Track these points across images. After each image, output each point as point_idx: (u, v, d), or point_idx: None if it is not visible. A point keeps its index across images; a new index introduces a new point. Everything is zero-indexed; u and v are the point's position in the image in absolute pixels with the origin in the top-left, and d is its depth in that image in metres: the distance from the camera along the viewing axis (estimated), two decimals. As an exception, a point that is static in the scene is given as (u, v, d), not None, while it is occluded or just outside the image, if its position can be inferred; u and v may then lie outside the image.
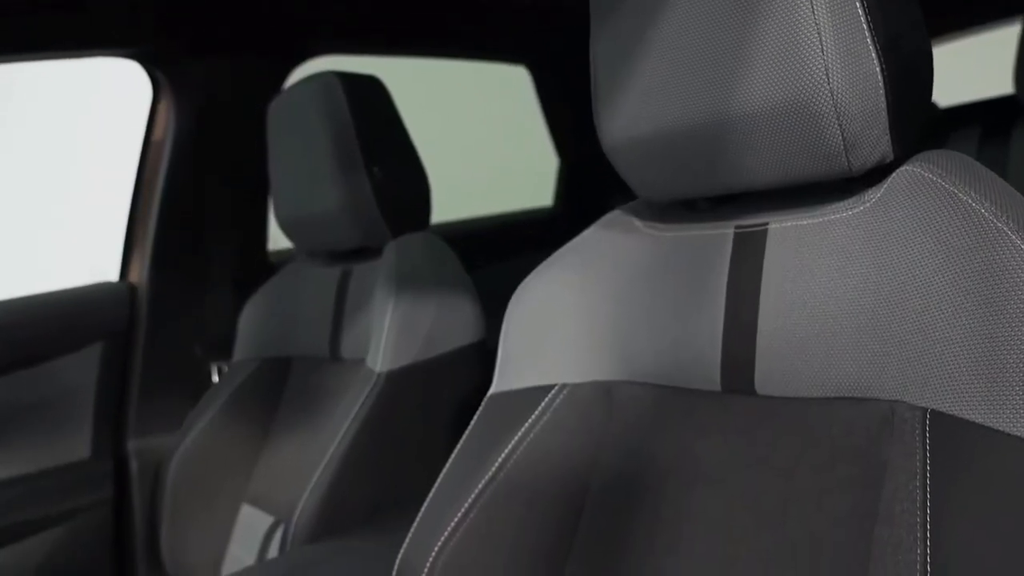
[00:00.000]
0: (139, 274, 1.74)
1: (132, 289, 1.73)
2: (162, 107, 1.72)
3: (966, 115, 1.79)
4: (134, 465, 1.66)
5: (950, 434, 0.61)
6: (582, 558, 0.87)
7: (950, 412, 0.61)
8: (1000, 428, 0.58)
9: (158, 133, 1.72)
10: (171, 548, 1.54)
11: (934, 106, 1.84)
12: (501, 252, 2.24)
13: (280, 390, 1.58)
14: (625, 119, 0.81)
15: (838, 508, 0.68)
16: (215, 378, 1.79)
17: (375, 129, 1.40)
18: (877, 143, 0.68)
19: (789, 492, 0.73)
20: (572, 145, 2.52)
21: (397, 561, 0.91)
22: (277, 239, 1.99)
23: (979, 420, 0.59)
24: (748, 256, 0.80)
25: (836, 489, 0.69)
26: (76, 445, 1.64)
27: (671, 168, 0.80)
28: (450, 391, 1.32)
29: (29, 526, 1.54)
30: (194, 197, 1.76)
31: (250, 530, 1.48)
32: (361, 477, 1.25)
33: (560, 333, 0.93)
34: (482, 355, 1.35)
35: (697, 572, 0.77)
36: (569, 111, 2.47)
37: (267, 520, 1.45)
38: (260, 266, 1.90)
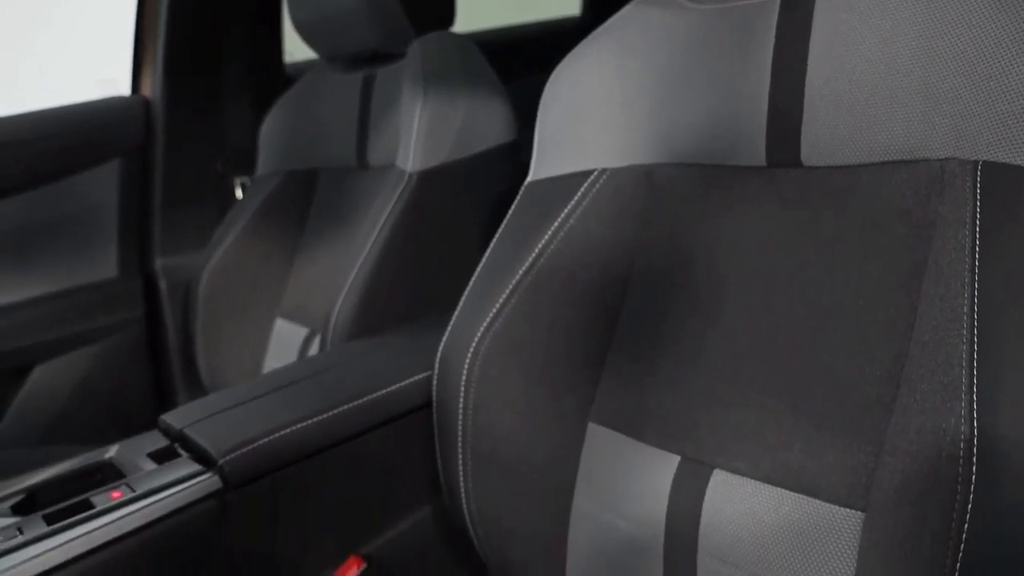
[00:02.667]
0: (152, 88, 1.76)
1: (146, 104, 1.76)
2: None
3: None
4: (163, 283, 1.73)
5: (1001, 182, 0.64)
6: (624, 340, 0.93)
7: (1003, 160, 0.64)
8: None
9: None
10: (207, 364, 1.63)
11: None
12: (527, 64, 2.22)
13: (307, 202, 1.62)
14: None
15: (884, 270, 0.72)
16: (239, 194, 1.84)
17: None
18: None
19: (834, 259, 0.76)
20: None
21: (440, 349, 0.97)
22: (292, 52, 1.99)
23: None
24: (795, 23, 0.81)
25: (882, 252, 0.73)
26: (103, 264, 1.71)
27: None
28: (483, 192, 1.35)
29: (63, 344, 1.62)
30: (204, 3, 1.75)
31: (285, 343, 1.55)
32: (396, 280, 1.31)
33: (598, 116, 0.95)
34: (515, 156, 1.37)
35: (740, 345, 0.82)
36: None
37: (302, 332, 1.52)
38: (277, 77, 1.91)
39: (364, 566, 1.00)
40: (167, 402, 1.60)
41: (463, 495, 0.95)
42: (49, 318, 1.62)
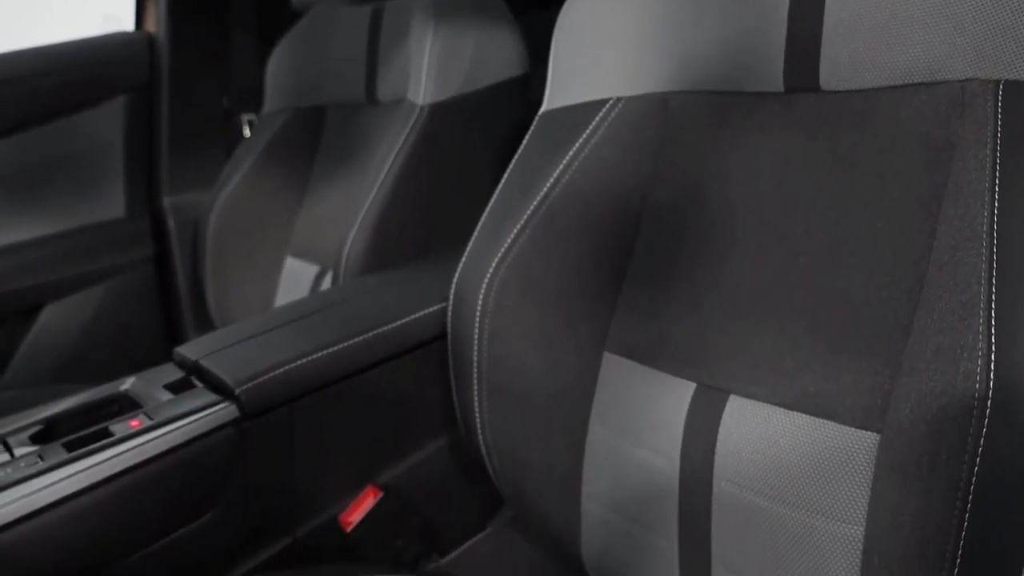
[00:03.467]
0: (155, 23, 1.76)
1: (150, 40, 1.75)
2: None
3: None
4: (172, 222, 1.75)
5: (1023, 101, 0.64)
6: (640, 269, 0.94)
7: None
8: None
9: None
10: (217, 304, 1.65)
11: None
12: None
13: (316, 139, 1.63)
14: None
15: (903, 194, 0.73)
16: (246, 132, 1.84)
17: None
18: None
19: (852, 184, 0.77)
20: None
21: (454, 280, 0.99)
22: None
23: None
24: (814, -55, 0.80)
25: (901, 175, 0.74)
26: (110, 203, 1.72)
27: None
28: (495, 125, 1.35)
29: (72, 283, 1.64)
30: None
31: (296, 281, 1.57)
32: (408, 215, 1.32)
33: (613, 44, 0.96)
34: (527, 90, 1.37)
35: (757, 271, 0.83)
36: None
37: (312, 270, 1.54)
38: (284, 12, 1.90)
39: (380, 496, 1.03)
40: (177, 342, 1.62)
41: (478, 426, 0.97)
42: (57, 258, 1.63)
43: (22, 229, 1.62)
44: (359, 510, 1.01)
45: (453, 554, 1.08)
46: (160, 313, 1.75)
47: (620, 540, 0.92)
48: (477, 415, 0.97)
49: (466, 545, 1.10)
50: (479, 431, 0.97)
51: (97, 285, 1.67)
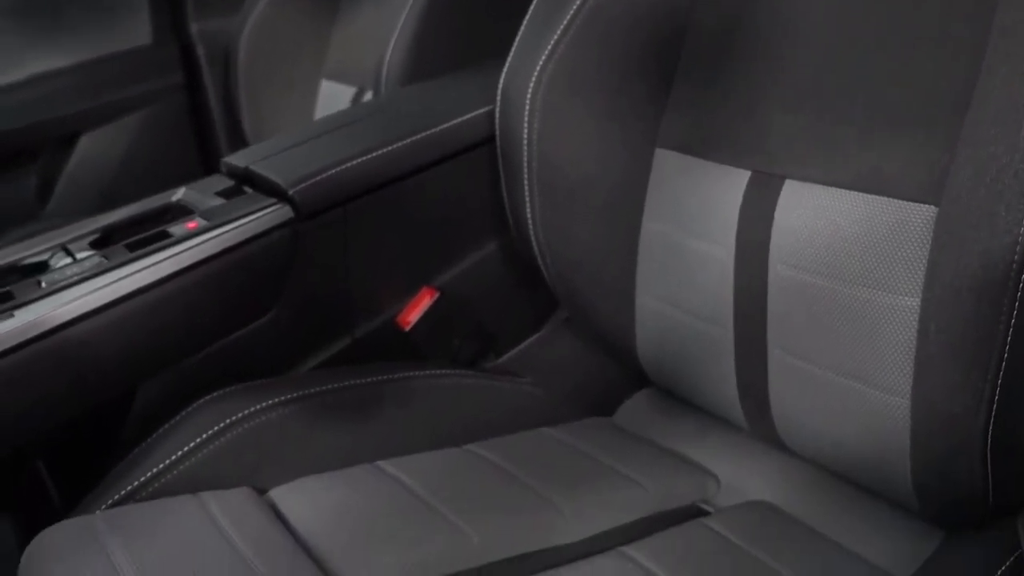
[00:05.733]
0: None
1: None
2: None
3: None
4: (201, 49, 1.76)
5: None
6: (691, 60, 0.95)
7: None
8: None
9: None
10: (253, 132, 1.68)
11: None
12: None
13: (347, -43, 1.62)
14: None
15: None
16: (272, -49, 1.83)
17: None
18: None
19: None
20: None
21: (501, 80, 1.01)
22: None
23: None
24: None
25: None
26: (136, 30, 1.73)
27: None
28: None
29: (106, 112, 1.68)
30: None
31: (333, 103, 1.59)
32: (446, 27, 1.33)
33: None
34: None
35: (815, 53, 0.85)
36: None
37: (349, 91, 1.56)
38: None
39: (436, 297, 1.08)
40: (215, 170, 1.66)
41: (530, 226, 1.01)
42: (88, 86, 1.66)
43: (49, 58, 1.64)
44: (416, 311, 1.07)
45: (509, 354, 1.14)
46: (196, 142, 1.79)
47: (675, 333, 0.97)
48: (529, 216, 1.01)
49: (521, 345, 1.15)
50: (531, 232, 1.01)
51: (131, 114, 1.70)
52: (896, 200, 0.76)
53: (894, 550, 0.83)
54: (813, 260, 0.81)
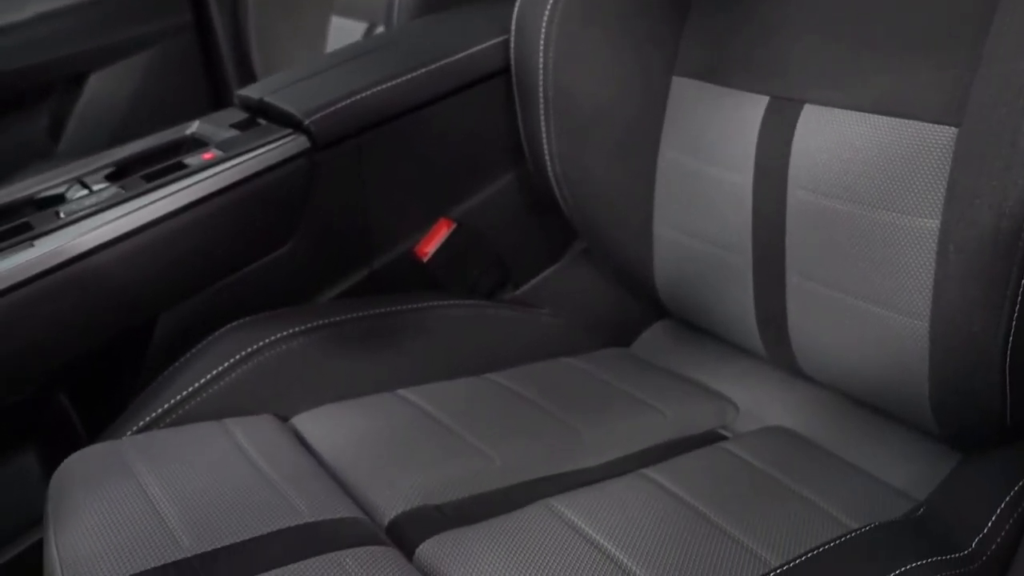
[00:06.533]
0: None
1: None
2: None
3: None
4: (208, -15, 1.76)
5: None
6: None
7: None
8: None
9: None
10: (262, 69, 1.69)
11: None
12: None
13: None
14: None
15: None
16: None
17: None
18: None
19: None
20: None
21: (515, 10, 1.01)
22: None
23: None
24: None
25: None
26: (143, -33, 1.73)
27: None
28: None
29: (114, 51, 1.68)
30: None
31: (344, 39, 1.59)
32: None
33: None
34: None
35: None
36: None
37: (360, 27, 1.56)
38: None
39: (453, 228, 1.09)
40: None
41: (547, 157, 1.02)
42: (95, 25, 1.67)
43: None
44: (433, 242, 1.08)
45: (527, 286, 1.16)
46: (205, 80, 1.80)
47: (693, 262, 0.98)
48: (545, 146, 1.02)
49: (539, 277, 1.16)
50: (548, 163, 1.02)
51: (139, 53, 1.71)
52: (916, 122, 0.76)
53: (912, 472, 0.86)
54: (832, 184, 0.82)
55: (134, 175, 0.95)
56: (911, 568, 0.62)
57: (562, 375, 1.01)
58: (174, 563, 0.65)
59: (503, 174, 1.15)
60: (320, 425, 0.87)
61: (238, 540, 0.68)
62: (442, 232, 1.09)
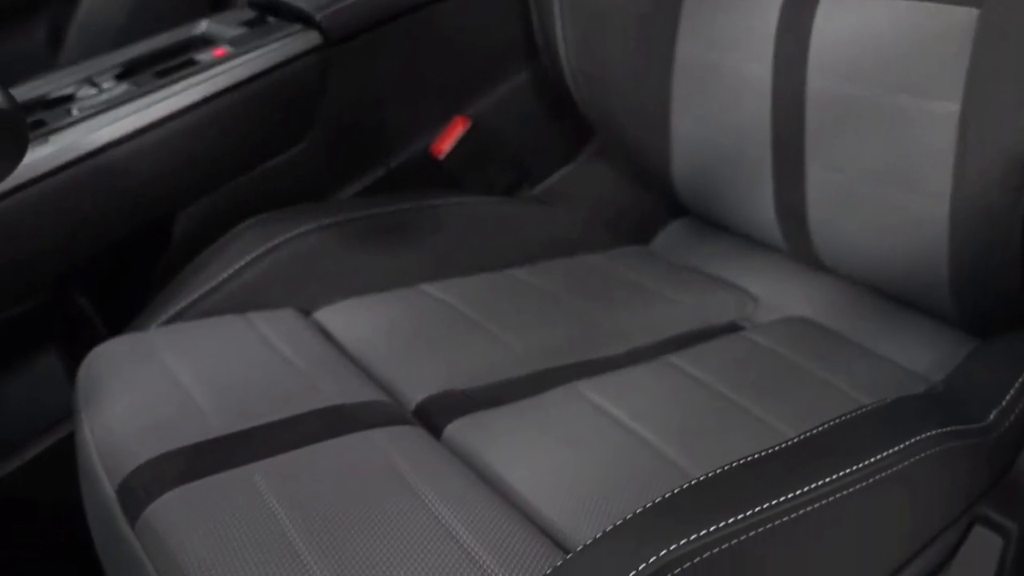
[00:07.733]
0: None
1: None
2: None
3: None
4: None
5: None
6: None
7: None
8: None
9: None
10: None
11: None
12: None
13: None
14: None
15: None
16: None
17: None
18: None
19: None
20: None
21: None
22: None
23: None
24: None
25: None
26: None
27: None
28: None
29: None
30: None
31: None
32: None
33: None
34: None
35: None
36: None
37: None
38: None
39: (469, 125, 1.10)
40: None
41: (562, 51, 1.02)
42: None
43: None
44: (449, 139, 1.10)
45: (543, 184, 1.17)
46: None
47: (711, 155, 0.99)
48: (560, 41, 1.02)
49: (556, 176, 1.18)
50: (563, 56, 1.03)
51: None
52: (938, 4, 0.77)
53: (930, 357, 0.88)
54: (852, 69, 0.83)
55: (146, 71, 0.96)
56: (931, 436, 0.64)
57: (582, 270, 1.03)
58: (208, 441, 0.68)
59: (518, 70, 1.15)
60: (343, 318, 0.90)
61: (270, 420, 0.71)
62: (458, 130, 1.10)
